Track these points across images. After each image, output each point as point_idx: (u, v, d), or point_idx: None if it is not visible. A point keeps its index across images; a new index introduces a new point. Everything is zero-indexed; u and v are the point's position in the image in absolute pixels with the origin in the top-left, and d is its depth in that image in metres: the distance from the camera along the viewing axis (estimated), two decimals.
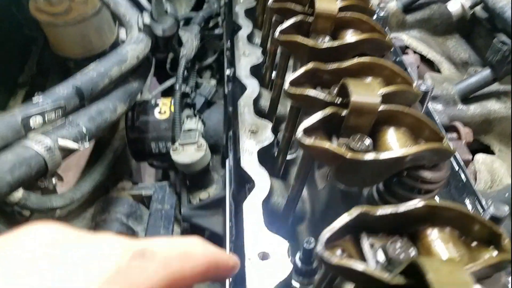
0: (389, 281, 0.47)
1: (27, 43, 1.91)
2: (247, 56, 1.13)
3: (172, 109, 1.69)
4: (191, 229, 1.45)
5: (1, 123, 0.89)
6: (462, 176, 0.88)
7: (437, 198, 0.73)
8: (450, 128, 1.07)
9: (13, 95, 1.78)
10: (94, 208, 1.60)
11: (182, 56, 1.57)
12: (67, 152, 1.01)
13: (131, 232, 1.52)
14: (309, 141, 0.63)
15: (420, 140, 0.70)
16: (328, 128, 0.70)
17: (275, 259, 0.69)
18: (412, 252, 0.53)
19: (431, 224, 0.56)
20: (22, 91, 1.79)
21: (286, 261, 0.68)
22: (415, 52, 1.26)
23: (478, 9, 1.39)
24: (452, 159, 0.87)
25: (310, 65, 0.76)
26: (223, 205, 1.22)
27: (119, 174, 1.78)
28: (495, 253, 0.51)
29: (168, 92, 1.90)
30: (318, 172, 0.90)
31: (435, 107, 1.14)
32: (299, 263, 0.75)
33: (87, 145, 1.05)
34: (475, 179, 0.93)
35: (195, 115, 1.69)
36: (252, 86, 1.04)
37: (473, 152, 0.99)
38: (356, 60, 0.77)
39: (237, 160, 1.03)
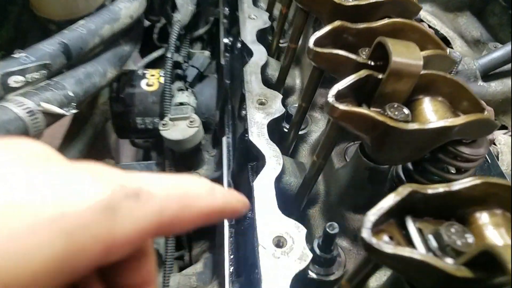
0: (454, 272, 0.40)
1: (3, 3, 1.75)
2: (253, 19, 1.03)
3: (161, 81, 1.58)
4: None
5: None
6: (486, 156, 0.82)
7: None
8: None
9: None
10: None
11: (176, 22, 1.45)
12: (51, 118, 0.89)
13: None
14: (343, 107, 0.55)
15: (458, 112, 0.63)
16: (358, 95, 0.62)
17: (292, 246, 0.61)
18: (470, 238, 0.45)
19: (483, 207, 0.48)
20: None
21: (305, 249, 0.60)
22: (429, 26, 1.19)
23: None
24: None
25: (336, 23, 0.67)
26: None
27: (100, 152, 1.67)
28: None
29: (154, 65, 1.78)
30: (336, 149, 0.82)
31: None
32: (317, 250, 0.67)
33: (74, 111, 0.94)
34: (497, 160, 0.87)
35: (186, 88, 1.58)
36: (260, 52, 0.95)
37: None
38: (387, 20, 0.69)
39: (240, 136, 0.94)
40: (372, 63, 0.63)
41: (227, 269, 0.89)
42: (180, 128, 1.41)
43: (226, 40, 1.41)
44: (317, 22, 0.97)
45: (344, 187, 0.72)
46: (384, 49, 0.60)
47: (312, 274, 0.69)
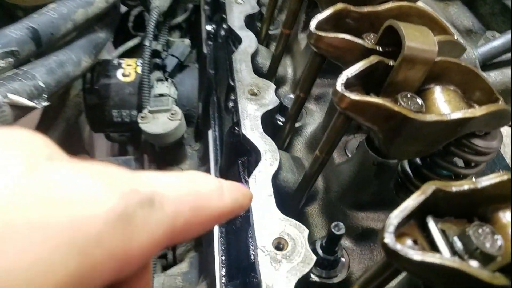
0: (491, 280, 0.35)
1: None
2: (240, 4, 0.96)
3: (138, 71, 1.49)
4: None
5: None
6: None
7: None
8: None
9: None
10: None
11: (155, 8, 1.36)
12: (19, 111, 0.81)
13: None
14: (354, 96, 0.49)
15: (471, 102, 0.58)
16: (365, 83, 0.56)
17: (294, 249, 0.55)
18: (498, 240, 0.41)
19: (506, 204, 0.44)
20: None
21: (308, 251, 0.54)
22: None
23: None
24: None
25: (339, 5, 0.61)
26: None
27: (73, 147, 1.57)
28: None
29: (129, 55, 1.68)
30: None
31: None
32: (320, 252, 0.62)
33: (45, 104, 0.85)
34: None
35: (166, 79, 1.49)
36: (249, 38, 0.88)
37: None
38: (392, 3, 0.64)
39: (230, 129, 0.88)
40: (381, 49, 0.57)
41: (218, 271, 0.83)
42: (160, 121, 1.33)
43: (209, 27, 1.34)
44: (311, 7, 0.91)
45: (347, 183, 0.67)
46: (393, 34, 0.55)
47: (314, 277, 0.64)
